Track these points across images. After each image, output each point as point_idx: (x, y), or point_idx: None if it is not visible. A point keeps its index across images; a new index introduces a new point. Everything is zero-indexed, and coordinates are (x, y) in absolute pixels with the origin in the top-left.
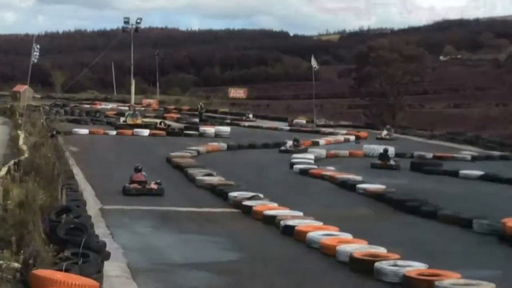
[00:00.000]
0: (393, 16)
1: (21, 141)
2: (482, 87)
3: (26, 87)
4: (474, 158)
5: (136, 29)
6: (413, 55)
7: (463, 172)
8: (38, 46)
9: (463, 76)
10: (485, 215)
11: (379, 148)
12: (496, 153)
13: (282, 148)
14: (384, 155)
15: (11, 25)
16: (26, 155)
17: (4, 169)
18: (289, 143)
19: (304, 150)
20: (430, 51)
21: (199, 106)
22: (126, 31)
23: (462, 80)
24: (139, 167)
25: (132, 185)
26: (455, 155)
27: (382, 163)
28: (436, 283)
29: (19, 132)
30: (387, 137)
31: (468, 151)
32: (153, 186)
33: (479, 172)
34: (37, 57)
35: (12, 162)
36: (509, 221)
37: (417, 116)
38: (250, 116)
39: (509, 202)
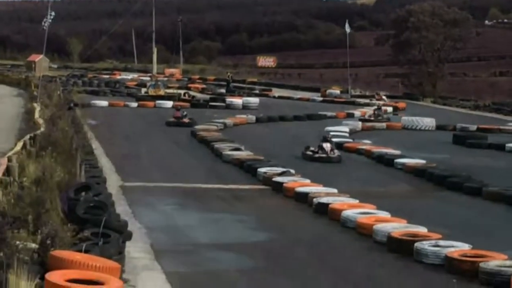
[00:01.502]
0: None
1: (37, 114)
2: None
3: (41, 56)
4: None
5: None
6: (456, 20)
7: (510, 145)
8: (53, 13)
9: (510, 42)
10: None
11: (420, 120)
12: None
13: (308, 152)
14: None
15: None
16: (42, 129)
17: (20, 144)
18: (326, 145)
19: (337, 159)
20: (474, 15)
21: (227, 76)
22: None
23: (509, 45)
24: (178, 107)
25: (172, 119)
26: (501, 127)
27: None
28: (481, 264)
29: (35, 104)
30: (373, 117)
31: None
32: (186, 120)
33: None
34: (47, 24)
35: (28, 136)
36: None
37: (460, 85)
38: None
39: None
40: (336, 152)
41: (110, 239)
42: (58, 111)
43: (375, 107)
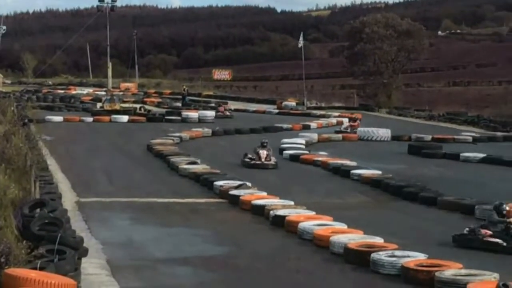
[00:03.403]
0: None
1: None
2: (483, 63)
3: None
4: (475, 140)
5: (112, 8)
6: (409, 31)
7: (464, 154)
8: (4, 27)
9: (462, 52)
10: (488, 200)
11: (375, 131)
12: (499, 133)
13: (246, 159)
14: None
15: None
16: None
17: None
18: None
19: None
20: (427, 26)
21: (183, 90)
22: (101, 10)
23: (462, 56)
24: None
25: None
26: (455, 136)
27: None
28: (437, 273)
29: None
30: (349, 129)
31: (469, 132)
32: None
33: (481, 155)
34: None
35: None
36: None
37: (415, 96)
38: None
39: None
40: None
41: (66, 255)
42: (12, 127)
43: (348, 120)
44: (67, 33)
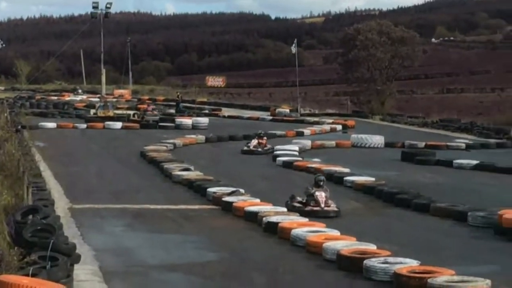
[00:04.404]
0: None
1: None
2: (477, 70)
3: None
4: (468, 147)
5: (106, 15)
6: (403, 38)
7: (457, 161)
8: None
9: (456, 60)
10: (481, 207)
11: (369, 138)
12: (492, 140)
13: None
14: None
15: None
16: None
17: None
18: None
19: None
20: (421, 33)
21: (177, 96)
22: (95, 17)
23: (455, 63)
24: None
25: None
26: (448, 143)
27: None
28: (429, 280)
29: None
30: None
31: (462, 139)
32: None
33: (474, 161)
34: None
35: None
36: (505, 212)
37: (408, 103)
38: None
39: (506, 192)
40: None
41: (58, 262)
42: (5, 134)
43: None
44: (61, 39)
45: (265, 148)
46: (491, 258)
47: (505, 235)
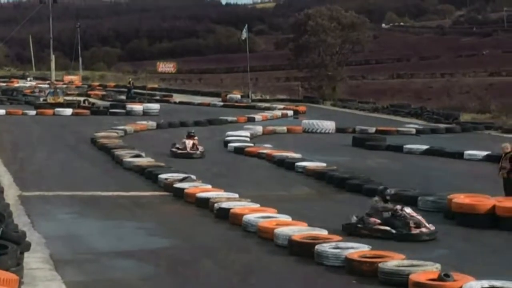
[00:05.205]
0: None
1: None
2: (426, 56)
3: None
4: (418, 132)
5: (55, 0)
6: (353, 23)
7: (407, 146)
8: None
9: (406, 45)
10: (431, 191)
11: (320, 123)
12: (441, 125)
13: (177, 150)
14: (187, 138)
15: None
16: None
17: None
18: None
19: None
20: (371, 18)
21: (128, 82)
22: (44, 1)
23: (405, 49)
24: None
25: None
26: (398, 128)
27: (177, 150)
28: (380, 265)
29: None
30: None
31: (412, 124)
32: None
33: (424, 147)
34: None
35: None
36: (454, 197)
37: (359, 88)
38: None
39: (455, 177)
40: (200, 148)
41: (8, 250)
42: None
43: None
44: (9, 25)
45: (201, 151)
46: (440, 242)
47: (454, 219)
